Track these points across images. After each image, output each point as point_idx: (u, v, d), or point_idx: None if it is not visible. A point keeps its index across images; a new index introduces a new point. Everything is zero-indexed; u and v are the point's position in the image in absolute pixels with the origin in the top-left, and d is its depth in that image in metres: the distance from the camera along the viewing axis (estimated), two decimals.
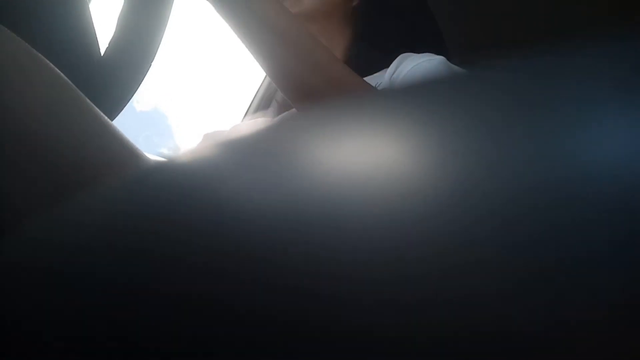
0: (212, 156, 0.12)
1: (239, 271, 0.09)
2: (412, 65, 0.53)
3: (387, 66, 0.59)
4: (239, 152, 0.12)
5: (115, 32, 0.48)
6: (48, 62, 0.26)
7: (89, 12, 0.47)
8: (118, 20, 0.48)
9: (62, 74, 0.27)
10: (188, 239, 0.10)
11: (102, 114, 0.28)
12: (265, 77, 0.82)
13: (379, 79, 0.58)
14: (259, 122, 0.61)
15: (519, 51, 0.11)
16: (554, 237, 0.08)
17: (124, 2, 0.49)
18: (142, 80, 0.49)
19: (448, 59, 0.54)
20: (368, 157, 0.10)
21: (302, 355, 0.08)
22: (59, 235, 0.12)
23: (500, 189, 0.09)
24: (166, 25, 0.50)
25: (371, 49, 0.65)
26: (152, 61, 0.49)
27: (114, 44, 0.48)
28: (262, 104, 1.12)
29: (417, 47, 0.57)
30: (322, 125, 0.11)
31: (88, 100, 0.27)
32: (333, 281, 0.08)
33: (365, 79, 0.61)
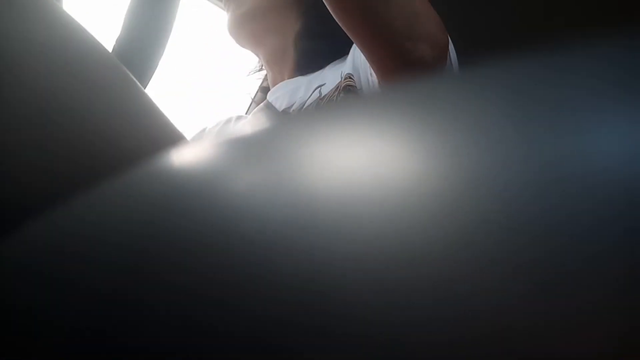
0: (212, 156, 0.12)
1: (239, 270, 0.09)
2: None
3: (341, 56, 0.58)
4: (239, 151, 0.12)
5: (122, 30, 0.48)
6: (98, 40, 0.25)
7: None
8: (125, 18, 0.48)
9: (111, 54, 0.26)
10: (188, 239, 0.10)
11: (148, 94, 0.27)
12: (262, 81, 0.82)
13: (336, 68, 0.58)
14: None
15: (518, 50, 0.11)
16: (554, 237, 0.08)
17: (131, 1, 0.48)
18: (150, 78, 0.48)
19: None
20: (368, 157, 0.10)
21: (304, 355, 0.08)
22: (56, 236, 0.12)
23: (497, 190, 0.09)
24: (174, 23, 0.49)
25: (320, 39, 0.63)
26: (159, 60, 0.48)
27: (121, 42, 0.48)
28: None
29: None
30: (322, 125, 0.11)
31: (136, 80, 0.27)
32: (334, 280, 0.08)
33: (332, 65, 0.59)
